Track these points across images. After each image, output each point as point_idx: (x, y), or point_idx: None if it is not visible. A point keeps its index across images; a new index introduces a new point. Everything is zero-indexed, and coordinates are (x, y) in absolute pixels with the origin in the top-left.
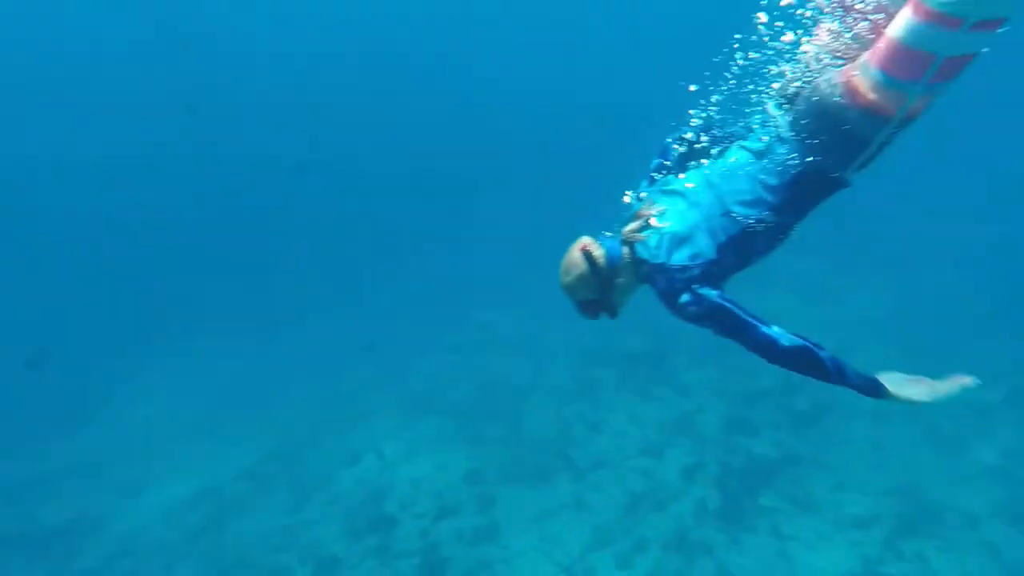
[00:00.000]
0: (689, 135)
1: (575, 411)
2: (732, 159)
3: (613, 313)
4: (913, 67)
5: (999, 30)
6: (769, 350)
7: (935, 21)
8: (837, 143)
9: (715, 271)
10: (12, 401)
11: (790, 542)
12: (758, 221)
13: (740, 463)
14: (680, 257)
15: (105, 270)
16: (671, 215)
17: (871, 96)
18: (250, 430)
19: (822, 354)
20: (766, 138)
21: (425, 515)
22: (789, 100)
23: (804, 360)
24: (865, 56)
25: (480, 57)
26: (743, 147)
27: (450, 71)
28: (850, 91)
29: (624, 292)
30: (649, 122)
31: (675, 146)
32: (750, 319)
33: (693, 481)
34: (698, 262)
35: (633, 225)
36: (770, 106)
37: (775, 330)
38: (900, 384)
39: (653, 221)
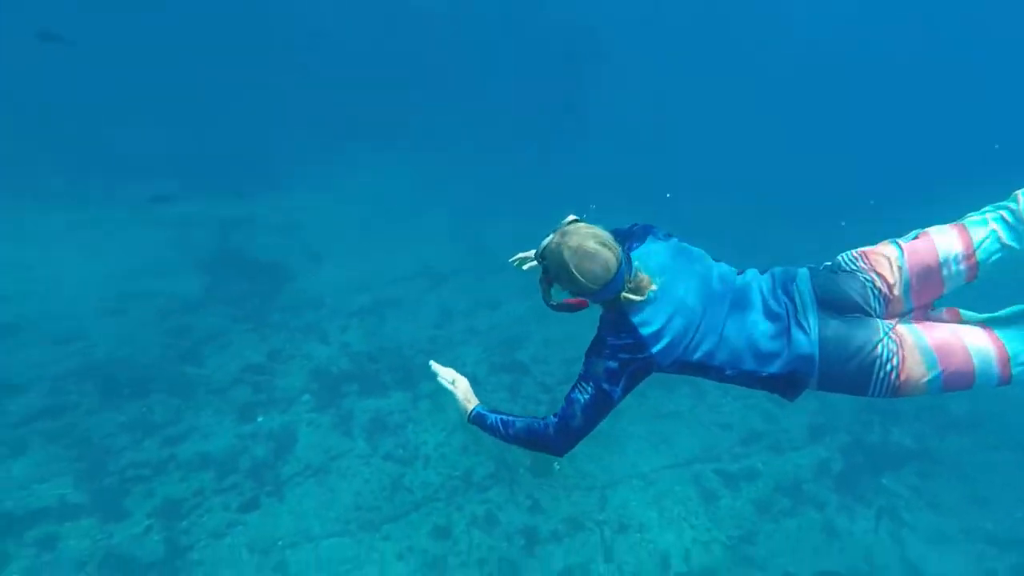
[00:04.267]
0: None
1: None
2: (752, 302)
3: (545, 299)
4: (960, 384)
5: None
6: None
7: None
8: (846, 378)
9: (651, 371)
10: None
11: (906, 529)
12: (720, 366)
13: (872, 440)
14: (651, 343)
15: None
16: (677, 301)
17: (916, 384)
18: (408, 241)
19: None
20: (781, 308)
21: (552, 374)
22: (837, 309)
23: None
24: (939, 357)
25: None
26: (764, 295)
27: None
28: (904, 372)
29: (572, 303)
30: None
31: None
32: (596, 414)
33: (818, 441)
34: (655, 351)
35: (641, 283)
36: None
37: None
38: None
39: (649, 287)
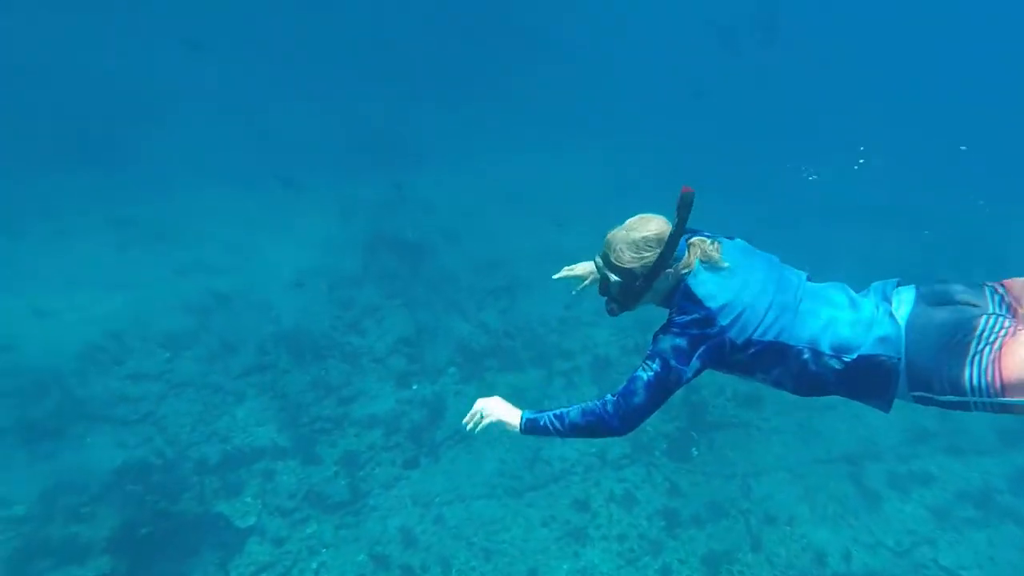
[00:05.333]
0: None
1: None
2: (833, 295)
3: (621, 309)
4: None
5: None
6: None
7: None
8: (936, 362)
9: (724, 355)
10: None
11: None
12: (800, 351)
13: None
14: (720, 316)
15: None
16: (745, 279)
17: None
18: (537, 224)
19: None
20: (871, 303)
21: None
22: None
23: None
24: None
25: None
26: (848, 292)
27: None
28: (1011, 360)
29: (650, 296)
30: None
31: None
32: (660, 393)
33: (1013, 446)
34: (724, 323)
35: (707, 248)
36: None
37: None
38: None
39: (713, 253)
